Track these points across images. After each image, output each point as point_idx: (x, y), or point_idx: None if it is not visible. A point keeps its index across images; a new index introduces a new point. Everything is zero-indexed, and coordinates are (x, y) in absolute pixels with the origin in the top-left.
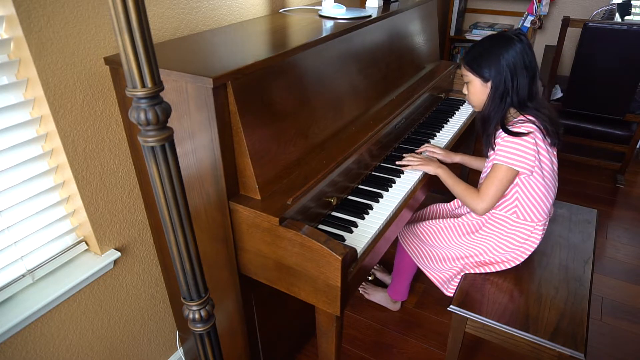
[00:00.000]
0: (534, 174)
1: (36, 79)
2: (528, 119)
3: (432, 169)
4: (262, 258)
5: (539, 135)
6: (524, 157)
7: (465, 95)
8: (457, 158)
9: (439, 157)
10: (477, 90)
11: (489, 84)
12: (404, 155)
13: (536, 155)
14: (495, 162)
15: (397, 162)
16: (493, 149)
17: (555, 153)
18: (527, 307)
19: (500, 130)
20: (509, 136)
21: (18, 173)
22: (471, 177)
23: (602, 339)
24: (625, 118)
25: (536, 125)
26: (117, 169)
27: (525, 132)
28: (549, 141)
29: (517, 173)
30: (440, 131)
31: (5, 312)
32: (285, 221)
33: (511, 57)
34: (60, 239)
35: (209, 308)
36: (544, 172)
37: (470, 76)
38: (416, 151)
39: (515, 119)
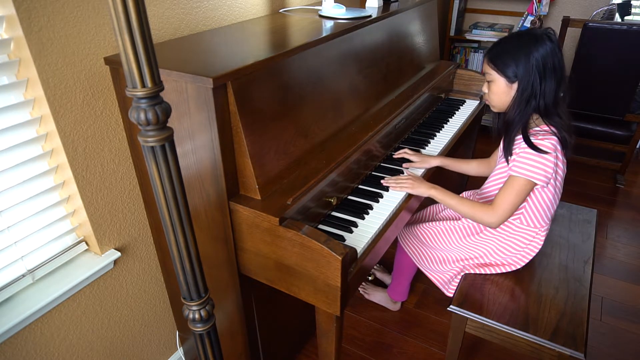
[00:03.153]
0: (548, 185)
1: (36, 79)
2: (552, 130)
3: (423, 191)
4: (262, 258)
5: (559, 148)
6: (544, 170)
7: (484, 93)
8: (436, 162)
9: (415, 165)
10: (500, 91)
11: (515, 85)
12: (387, 177)
13: (555, 169)
14: (512, 173)
15: (382, 181)
16: (511, 155)
17: (565, 161)
18: (527, 307)
19: (520, 138)
20: (530, 149)
21: (18, 173)
22: (471, 181)
23: (602, 339)
24: (625, 118)
25: (557, 137)
26: (117, 169)
27: (549, 146)
28: (565, 152)
29: (534, 185)
30: (440, 131)
31: (5, 312)
32: (285, 221)
33: (541, 57)
34: (60, 239)
35: (209, 308)
36: (556, 182)
37: (494, 75)
38: (394, 155)
39: (538, 128)
